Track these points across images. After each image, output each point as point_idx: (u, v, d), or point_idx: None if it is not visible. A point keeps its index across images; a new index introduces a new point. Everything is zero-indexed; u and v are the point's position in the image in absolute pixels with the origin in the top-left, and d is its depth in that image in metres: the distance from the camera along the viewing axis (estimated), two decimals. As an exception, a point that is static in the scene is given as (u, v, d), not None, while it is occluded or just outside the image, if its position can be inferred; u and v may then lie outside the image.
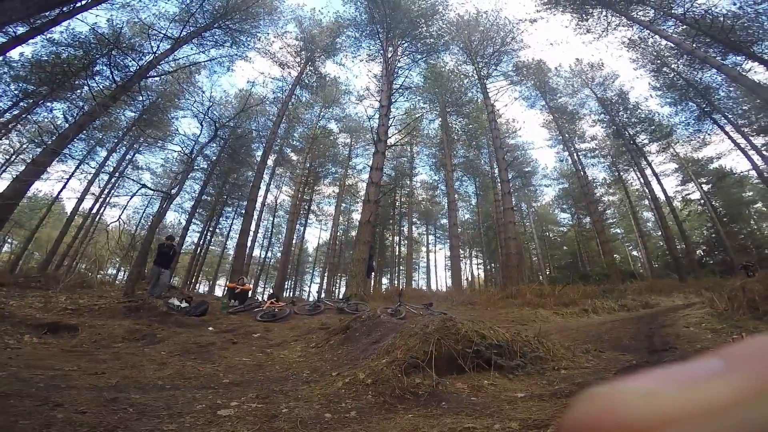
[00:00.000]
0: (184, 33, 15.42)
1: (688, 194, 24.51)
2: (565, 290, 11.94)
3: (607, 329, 5.86)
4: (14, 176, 13.03)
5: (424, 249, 37.03)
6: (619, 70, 25.95)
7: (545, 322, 7.99)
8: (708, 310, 5.61)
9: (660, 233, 23.49)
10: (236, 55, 19.74)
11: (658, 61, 19.24)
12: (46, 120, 17.22)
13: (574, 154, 24.06)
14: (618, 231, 32.19)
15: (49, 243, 20.56)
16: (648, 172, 22.00)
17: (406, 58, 19.61)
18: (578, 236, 29.51)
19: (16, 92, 15.46)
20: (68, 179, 20.67)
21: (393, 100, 17.33)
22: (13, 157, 20.08)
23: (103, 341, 4.72)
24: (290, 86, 22.31)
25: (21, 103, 15.89)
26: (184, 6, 15.98)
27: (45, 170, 13.33)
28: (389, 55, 18.00)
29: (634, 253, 34.09)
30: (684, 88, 19.07)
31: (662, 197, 21.80)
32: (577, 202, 28.17)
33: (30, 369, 3.19)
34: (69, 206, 25.17)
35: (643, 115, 21.97)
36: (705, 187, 23.07)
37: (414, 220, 32.30)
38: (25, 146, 19.75)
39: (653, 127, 21.64)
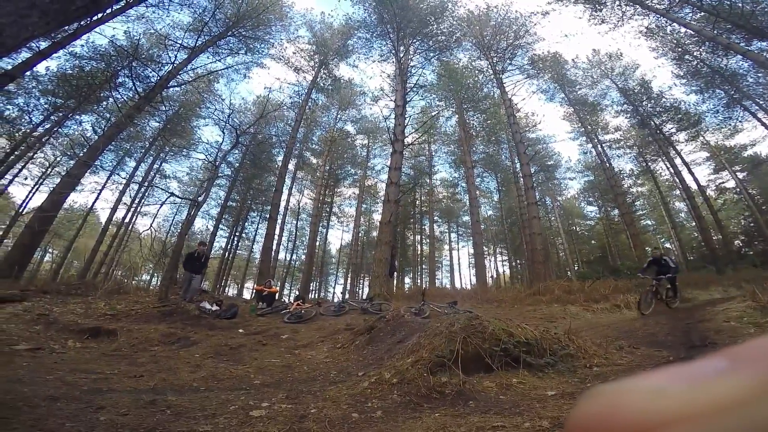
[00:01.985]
0: (200, 42, 15.88)
1: (722, 183, 23.43)
2: (595, 285, 11.57)
3: (641, 325, 5.66)
4: (51, 189, 13.75)
5: (446, 247, 36.73)
6: (639, 60, 25.02)
7: (575, 318, 7.80)
8: (749, 303, 5.32)
9: (694, 224, 22.52)
10: (252, 62, 20.20)
11: (679, 49, 18.47)
12: (76, 132, 18.07)
13: (598, 146, 23.36)
14: (649, 223, 31.01)
15: (87, 252, 21.61)
16: (678, 161, 21.16)
17: (418, 56, 19.54)
18: (607, 229, 28.59)
19: (46, 106, 16.16)
20: (101, 190, 21.67)
21: (408, 100, 17.29)
22: (49, 170, 21.15)
23: (141, 345, 4.92)
24: (306, 90, 22.62)
25: (52, 117, 16.64)
26: (197, 16, 16.36)
27: (79, 182, 13.98)
28: (401, 55, 17.96)
29: (667, 245, 32.73)
30: (709, 75, 18.28)
31: (694, 187, 20.90)
32: (603, 195, 27.28)
33: (74, 373, 3.37)
34: (103, 216, 26.42)
35: (668, 104, 21.09)
36: (740, 175, 21.95)
37: (435, 218, 32.10)
38: (59, 159, 20.74)
39: (680, 116, 20.73)
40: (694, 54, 18.19)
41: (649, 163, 23.77)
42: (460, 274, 39.16)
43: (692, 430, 0.15)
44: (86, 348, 4.66)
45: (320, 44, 22.74)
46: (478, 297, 12.30)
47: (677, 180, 21.67)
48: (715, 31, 13.75)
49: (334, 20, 23.02)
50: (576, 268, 28.91)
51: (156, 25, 15.99)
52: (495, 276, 34.33)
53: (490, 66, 21.23)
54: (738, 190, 21.61)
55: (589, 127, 24.00)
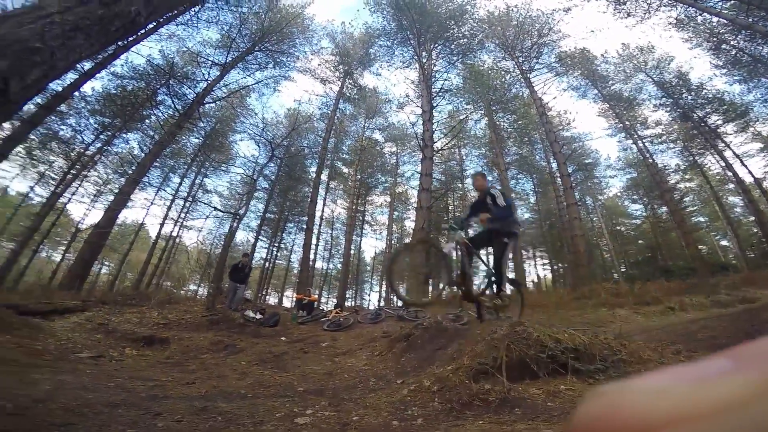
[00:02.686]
0: (229, 58, 16.61)
1: (781, 174, 21.49)
2: (645, 287, 10.94)
3: (699, 328, 5.27)
4: (106, 206, 14.72)
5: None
6: (672, 52, 23.59)
7: (625, 322, 7.37)
8: (824, 304, 4.84)
9: (752, 219, 20.79)
10: (279, 75, 20.89)
11: (715, 39, 17.35)
12: (124, 150, 19.31)
13: (639, 142, 22.23)
14: (701, 219, 28.94)
15: (139, 264, 22.99)
16: (727, 153, 19.72)
17: (441, 60, 19.49)
18: (654, 228, 26.94)
19: (95, 126, 17.22)
20: (150, 205, 23.06)
21: (434, 105, 17.23)
22: (102, 187, 22.69)
23: (191, 352, 5.16)
24: (334, 101, 23.13)
25: (101, 136, 17.76)
26: (224, 33, 17.10)
27: (130, 198, 14.91)
28: (424, 60, 17.97)
29: (723, 242, 30.39)
30: (751, 64, 16.98)
31: (750, 179, 19.36)
32: (648, 192, 25.82)
33: (133, 380, 3.58)
34: (153, 230, 28.07)
35: (710, 95, 19.77)
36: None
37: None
38: (110, 177, 22.21)
39: (725, 107, 19.37)
40: (732, 43, 17.07)
41: (696, 157, 22.28)
42: (497, 279, 37.91)
43: (695, 429, 0.15)
44: (142, 355, 4.95)
45: (343, 54, 23.19)
46: (518, 302, 11.91)
47: (729, 173, 20.20)
48: (750, 19, 12.83)
49: (355, 30, 23.50)
50: (623, 269, 27.40)
51: (187, 43, 16.89)
52: (536, 280, 33.20)
53: (516, 66, 20.83)
54: (801, 180, 19.76)
55: (627, 122, 22.90)
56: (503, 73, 21.80)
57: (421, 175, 14.95)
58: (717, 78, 19.39)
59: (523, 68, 20.43)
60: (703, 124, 19.87)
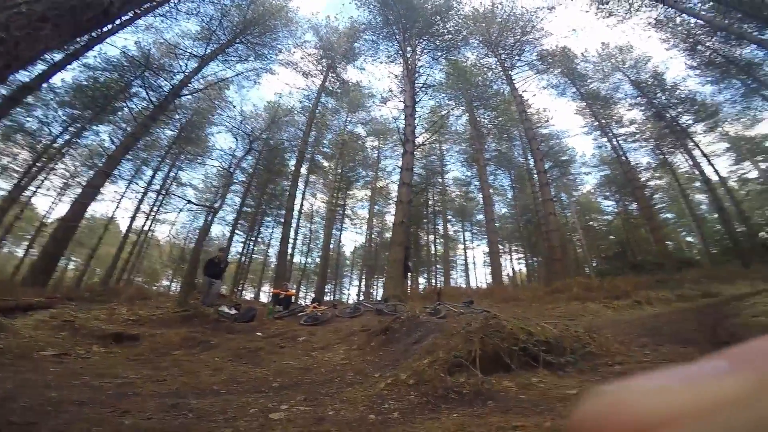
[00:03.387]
0: (209, 50, 16.14)
1: (744, 173, 22.73)
2: (615, 282, 11.33)
3: (665, 321, 5.51)
4: (73, 199, 14.14)
5: (461, 246, 36.44)
6: (650, 52, 24.41)
7: (595, 316, 7.63)
8: (779, 297, 5.13)
9: (716, 216, 21.87)
10: (261, 68, 20.44)
11: (691, 40, 17.98)
12: (94, 143, 18.58)
13: (613, 140, 22.90)
14: (669, 216, 30.21)
15: (108, 259, 22.19)
16: (696, 153, 20.61)
17: (426, 56, 19.51)
18: (625, 224, 27.95)
19: (64, 118, 16.58)
20: (120, 199, 22.25)
21: (417, 100, 17.25)
22: (70, 180, 21.77)
23: (162, 349, 5.02)
24: (315, 94, 22.82)
25: (70, 128, 17.07)
26: (204, 24, 16.62)
27: (99, 191, 14.34)
28: (408, 55, 17.95)
29: (689, 238, 31.84)
30: (724, 65, 17.75)
31: (715, 178, 20.32)
32: (621, 189, 26.71)
33: (100, 377, 3.45)
34: (123, 224, 27.12)
35: (683, 96, 20.59)
36: (763, 165, 21.25)
37: (449, 217, 31.93)
38: (79, 170, 21.33)
39: (696, 107, 20.22)
40: (707, 44, 17.72)
41: (667, 156, 23.16)
42: (475, 273, 38.81)
43: (693, 429, 0.15)
44: (111, 353, 4.78)
45: (327, 48, 22.88)
46: (495, 296, 12.17)
47: (697, 172, 21.10)
48: (727, 21, 13.40)
49: (340, 23, 23.18)
50: (594, 264, 28.35)
51: (165, 34, 16.33)
52: (511, 274, 33.98)
53: (498, 63, 21.07)
54: (761, 179, 20.90)
55: (602, 120, 23.55)
56: (485, 69, 22.04)
57: (402, 170, 14.97)
58: (691, 78, 20.21)
59: (505, 65, 20.69)
60: (674, 124, 20.65)
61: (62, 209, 23.39)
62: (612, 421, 0.16)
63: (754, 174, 21.88)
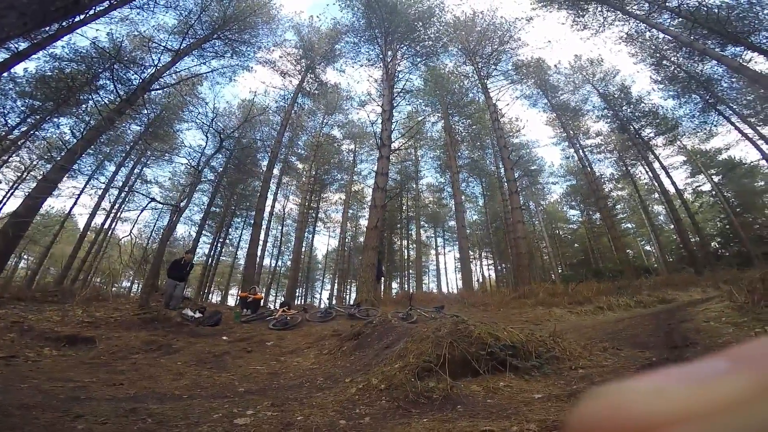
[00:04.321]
0: (184, 45, 15.62)
1: (699, 186, 24.28)
2: (578, 288, 11.77)
3: (624, 326, 5.77)
4: (27, 193, 13.25)
5: (433, 252, 36.91)
6: (619, 65, 25.99)
7: (560, 321, 7.90)
8: (727, 304, 5.47)
9: (672, 226, 23.20)
10: (238, 65, 19.94)
11: (658, 55, 19.09)
12: (54, 136, 17.55)
13: (580, 151, 23.91)
14: (629, 226, 31.83)
15: (64, 258, 20.90)
16: (656, 165, 21.84)
17: (405, 61, 19.66)
18: (589, 233, 29.21)
19: (23, 108, 15.67)
20: (79, 195, 21.04)
21: (395, 105, 17.35)
22: (25, 174, 20.47)
23: (121, 353, 4.77)
24: (292, 95, 22.49)
25: (29, 120, 16.13)
26: (182, 18, 16.12)
27: (56, 186, 13.49)
28: (389, 60, 18.06)
29: (648, 247, 33.64)
30: (686, 80, 18.87)
31: (672, 190, 21.59)
32: (585, 199, 27.91)
33: (51, 381, 3.24)
34: (81, 222, 25.67)
35: (647, 109, 21.82)
36: (716, 179, 22.77)
37: (422, 223, 32.25)
38: (35, 163, 20.10)
39: (658, 121, 21.46)
40: (672, 59, 18.77)
41: (629, 167, 24.42)
42: (446, 279, 39.28)
43: (693, 430, 0.15)
44: (63, 356, 4.50)
45: (307, 48, 22.66)
46: (465, 301, 12.35)
47: (656, 183, 22.28)
48: (692, 37, 14.25)
49: (322, 24, 23.00)
50: (560, 271, 29.42)
51: (140, 27, 15.70)
52: (481, 280, 34.66)
53: (475, 71, 21.54)
54: (714, 193, 22.37)
55: (571, 132, 24.55)
56: (462, 77, 22.50)
57: (377, 174, 14.97)
58: (654, 92, 21.38)
59: (482, 74, 21.16)
60: (637, 136, 21.77)
61: (15, 204, 21.98)
62: (611, 423, 0.16)
63: (707, 187, 23.33)
